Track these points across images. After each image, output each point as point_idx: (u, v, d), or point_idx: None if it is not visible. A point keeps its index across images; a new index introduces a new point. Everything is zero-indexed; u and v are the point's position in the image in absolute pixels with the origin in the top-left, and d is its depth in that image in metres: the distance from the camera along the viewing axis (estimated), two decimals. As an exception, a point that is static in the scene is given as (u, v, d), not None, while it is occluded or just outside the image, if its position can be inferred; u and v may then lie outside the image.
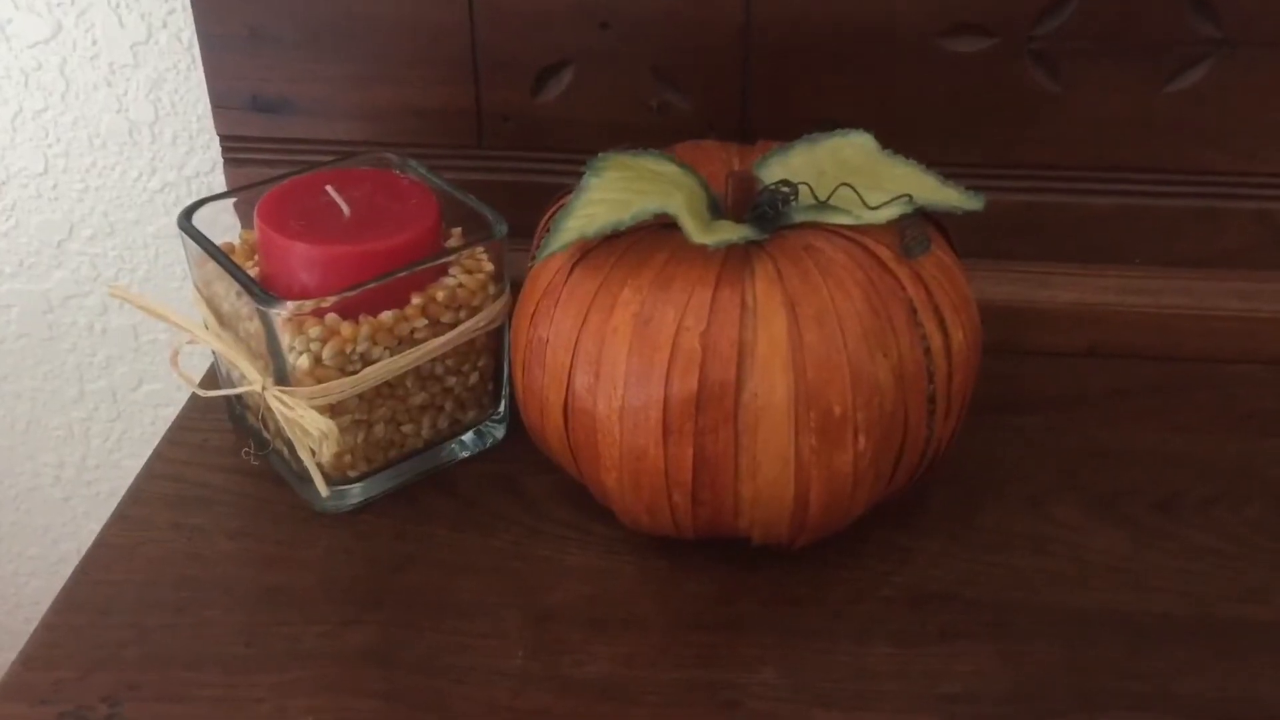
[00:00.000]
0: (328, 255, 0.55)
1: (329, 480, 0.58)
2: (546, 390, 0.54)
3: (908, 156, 0.56)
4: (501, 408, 0.63)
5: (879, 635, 0.54)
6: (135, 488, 0.61)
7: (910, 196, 0.53)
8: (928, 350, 0.52)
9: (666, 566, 0.57)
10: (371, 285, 0.54)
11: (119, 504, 0.61)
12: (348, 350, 0.55)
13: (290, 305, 0.53)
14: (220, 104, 0.69)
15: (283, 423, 0.55)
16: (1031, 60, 0.64)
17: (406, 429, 0.59)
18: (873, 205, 0.53)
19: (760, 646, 0.53)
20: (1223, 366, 0.68)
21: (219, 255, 0.57)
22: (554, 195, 0.60)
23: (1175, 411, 0.66)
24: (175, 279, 0.86)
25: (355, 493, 0.59)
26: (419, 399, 0.59)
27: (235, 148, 0.71)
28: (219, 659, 0.52)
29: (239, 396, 0.62)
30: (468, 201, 0.60)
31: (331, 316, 0.54)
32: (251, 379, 0.55)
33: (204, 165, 0.81)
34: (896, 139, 0.57)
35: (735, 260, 0.52)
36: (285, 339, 0.54)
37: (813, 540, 0.54)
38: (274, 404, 0.54)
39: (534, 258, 0.58)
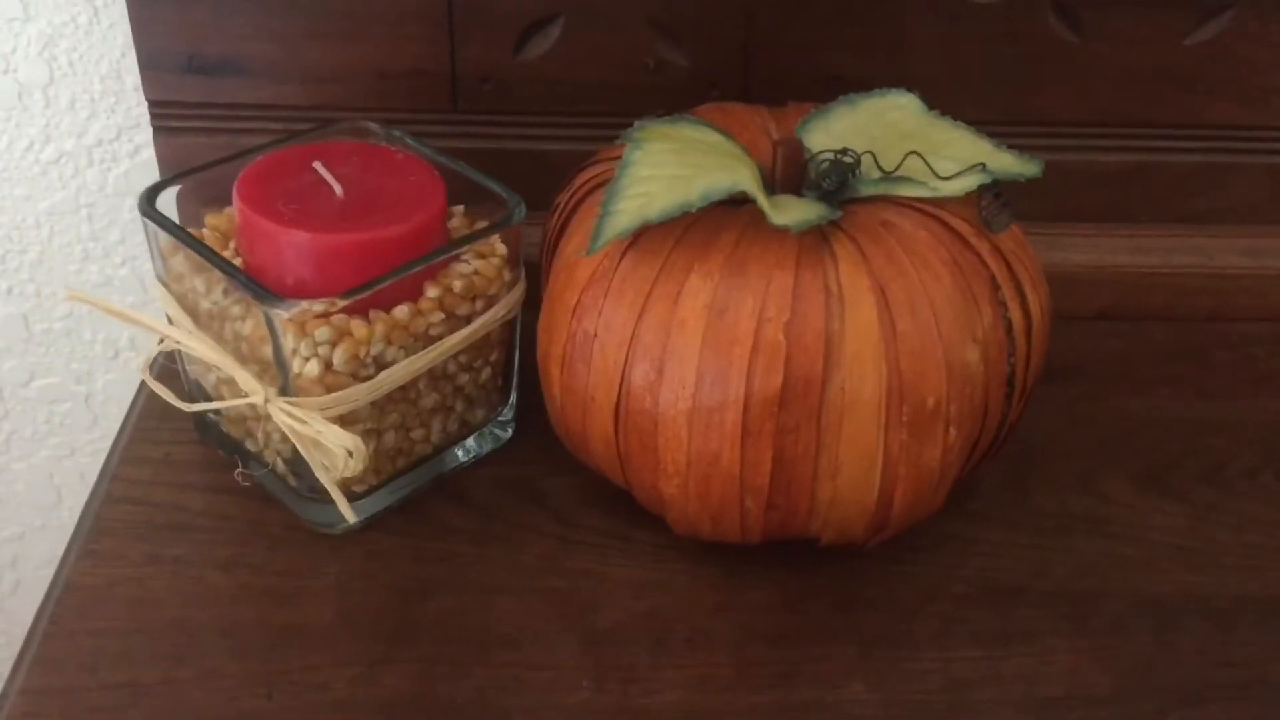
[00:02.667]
0: (330, 245, 0.48)
1: (324, 498, 0.51)
2: (593, 390, 0.48)
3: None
4: (511, 404, 0.57)
5: (961, 637, 0.50)
6: (96, 516, 0.53)
7: (984, 165, 0.49)
8: (1009, 330, 0.48)
9: (720, 573, 0.52)
10: (392, 279, 0.48)
11: (79, 538, 0.52)
12: (361, 354, 0.48)
13: (302, 305, 0.46)
14: (150, 65, 0.60)
15: (293, 439, 0.47)
16: (1053, 10, 0.61)
17: (416, 435, 0.53)
18: (944, 175, 0.49)
19: (840, 659, 0.49)
20: (1236, 325, 0.67)
21: (201, 248, 0.49)
22: (575, 165, 0.54)
23: (1198, 375, 0.64)
24: (73, 260, 0.76)
25: (362, 509, 0.52)
26: (430, 401, 0.52)
27: (167, 115, 0.62)
28: (239, 716, 0.45)
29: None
30: (471, 176, 0.53)
31: (339, 315, 0.47)
32: (249, 390, 0.48)
33: (107, 132, 0.71)
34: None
35: (811, 240, 0.47)
36: (288, 343, 0.47)
37: (888, 539, 0.50)
38: (281, 418, 0.47)
39: (546, 244, 0.52)
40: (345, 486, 0.51)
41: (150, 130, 0.70)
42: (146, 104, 0.62)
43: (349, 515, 0.48)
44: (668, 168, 0.47)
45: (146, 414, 0.58)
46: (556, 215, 0.53)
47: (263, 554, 0.51)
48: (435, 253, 0.49)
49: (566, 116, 0.63)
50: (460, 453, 0.56)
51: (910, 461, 0.47)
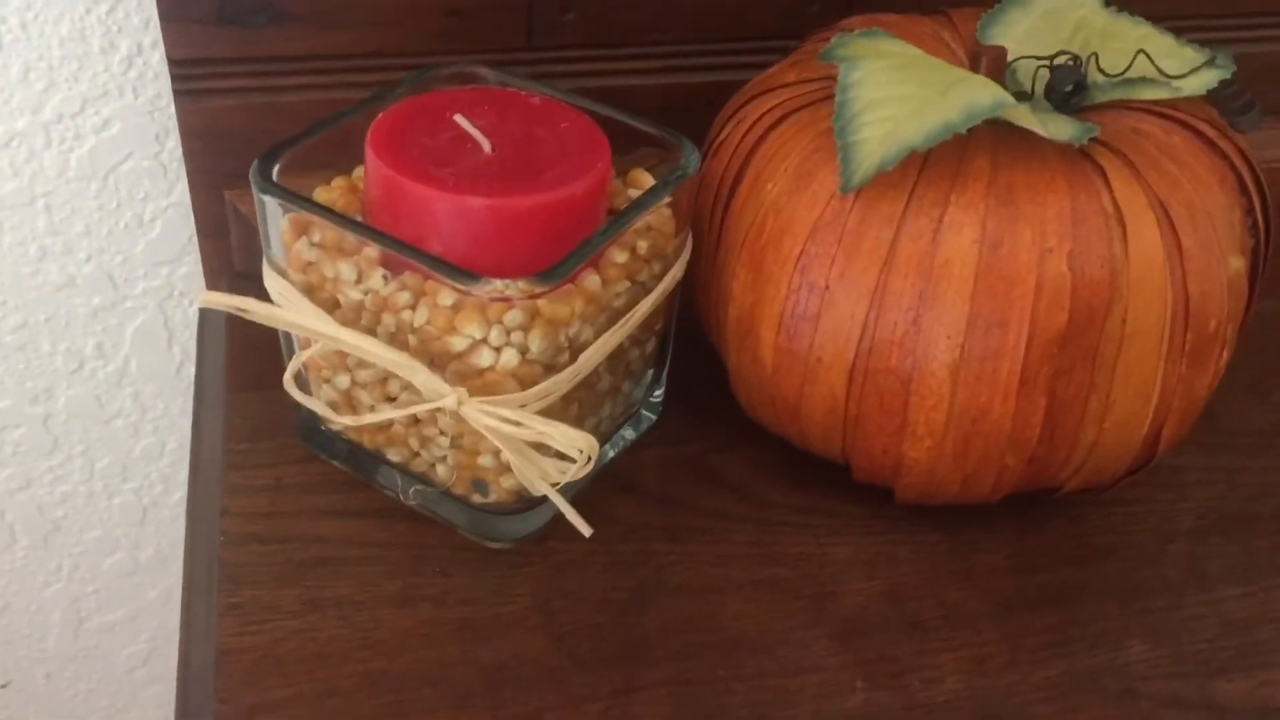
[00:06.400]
0: (511, 211, 0.40)
1: (502, 510, 0.44)
2: (819, 351, 0.42)
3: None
4: (664, 378, 0.50)
5: (1217, 576, 0.46)
6: (221, 562, 0.44)
7: (1216, 58, 0.44)
8: (1254, 231, 0.45)
9: (943, 539, 0.47)
10: (600, 246, 0.40)
11: (204, 590, 0.43)
12: (560, 337, 0.40)
13: (511, 284, 0.38)
14: (173, 15, 0.50)
15: (501, 445, 0.40)
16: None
17: (588, 424, 0.46)
18: (1173, 74, 0.44)
19: (1107, 618, 0.45)
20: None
21: (352, 225, 0.40)
22: (728, 94, 0.47)
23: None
24: (28, 261, 0.65)
25: (537, 517, 0.45)
26: (606, 384, 0.45)
27: (194, 75, 0.52)
28: (489, 781, 0.38)
29: (334, 410, 0.45)
30: (626, 120, 0.46)
31: (524, 296, 0.40)
32: (435, 393, 0.40)
33: (69, 105, 0.60)
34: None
35: (1073, 158, 0.41)
36: (474, 330, 0.39)
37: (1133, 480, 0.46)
38: (484, 422, 0.39)
39: (715, 188, 0.45)
40: (514, 495, 0.44)
41: (120, 100, 0.59)
42: (167, 64, 0.52)
43: (583, 528, 0.41)
44: (900, 86, 0.41)
45: (234, 437, 0.48)
46: (727, 154, 0.46)
47: (438, 582, 0.44)
48: (630, 210, 0.42)
49: (651, 46, 0.56)
50: (611, 446, 0.49)
51: (1184, 393, 0.43)
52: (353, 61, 0.53)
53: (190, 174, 0.55)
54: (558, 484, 0.41)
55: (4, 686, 0.82)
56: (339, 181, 0.45)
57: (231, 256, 0.56)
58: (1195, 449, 0.51)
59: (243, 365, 0.51)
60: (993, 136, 0.42)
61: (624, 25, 0.54)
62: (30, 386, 0.69)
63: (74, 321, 0.67)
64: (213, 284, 0.58)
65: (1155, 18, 0.59)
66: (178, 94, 0.53)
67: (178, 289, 0.66)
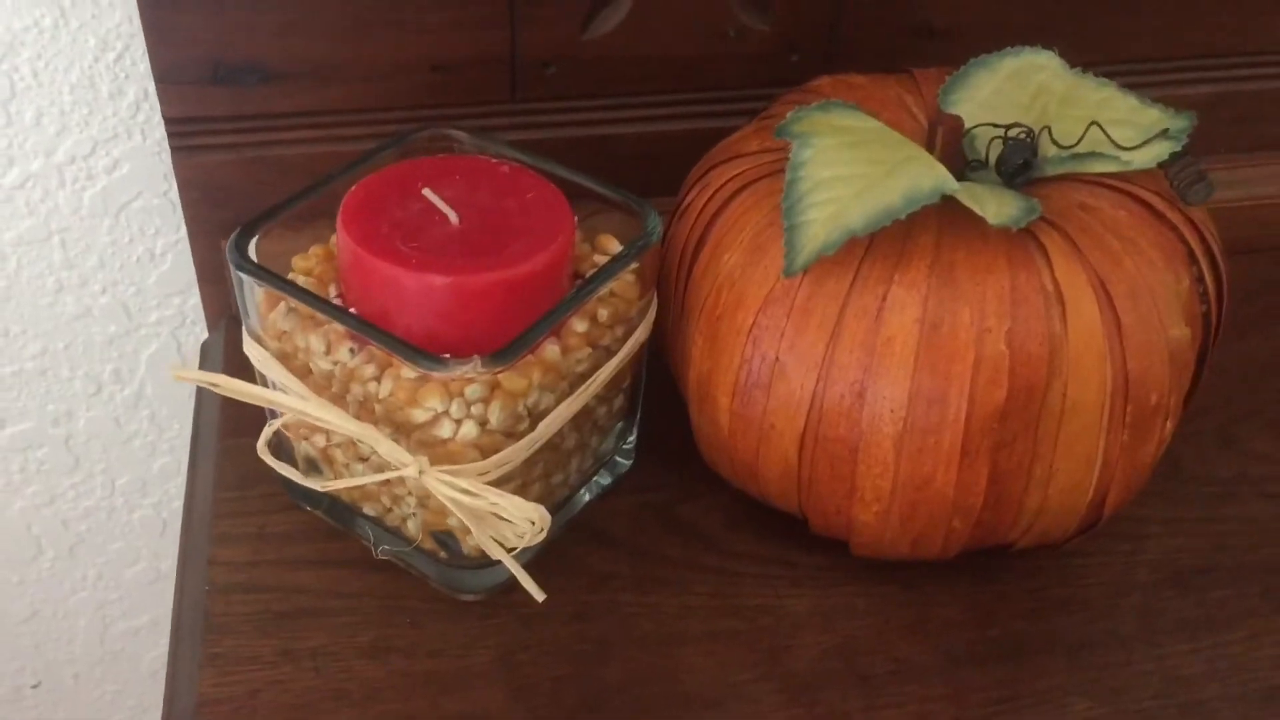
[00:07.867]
0: (472, 288, 0.42)
1: (470, 564, 0.46)
2: (772, 418, 0.44)
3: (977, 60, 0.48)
4: (635, 429, 0.52)
5: (1166, 631, 0.48)
6: (205, 612, 0.46)
7: (1168, 130, 0.45)
8: (1203, 299, 0.45)
9: (899, 590, 0.49)
10: (560, 318, 0.42)
11: (188, 638, 0.46)
12: (519, 408, 0.42)
13: (471, 367, 0.40)
14: (168, 78, 0.52)
15: (458, 512, 0.42)
16: (1143, -56, 0.57)
17: (556, 480, 0.48)
18: (1126, 145, 0.45)
19: (1053, 673, 0.46)
20: (1320, 255, 0.65)
21: (320, 304, 0.42)
22: (709, 142, 0.49)
23: (1292, 310, 0.62)
24: (45, 293, 0.67)
25: (505, 569, 0.47)
26: (571, 442, 0.47)
27: (189, 133, 0.54)
28: (445, 833, 0.40)
29: (312, 464, 0.48)
30: (591, 186, 0.47)
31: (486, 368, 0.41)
32: (398, 462, 0.42)
33: (80, 147, 0.62)
34: (991, 40, 0.49)
35: (1016, 235, 0.43)
36: (435, 404, 0.41)
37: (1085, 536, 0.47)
38: (443, 491, 0.41)
39: (678, 251, 0.47)
40: (483, 552, 0.46)
41: (129, 142, 0.62)
42: (163, 122, 0.54)
43: (536, 593, 0.43)
44: (848, 166, 0.43)
45: (224, 485, 0.51)
46: (691, 219, 0.47)
47: (409, 633, 0.46)
48: (590, 282, 0.43)
49: (633, 97, 0.57)
50: (587, 490, 0.51)
51: (1127, 462, 0.44)
52: (342, 116, 0.55)
53: (188, 222, 0.57)
54: (514, 549, 0.43)
55: (35, 686, 0.85)
56: (316, 250, 0.47)
57: (230, 300, 0.58)
58: (1157, 499, 0.52)
59: (237, 410, 0.53)
60: (939, 212, 0.43)
61: (604, 77, 0.56)
62: (52, 409, 0.72)
63: (91, 348, 0.70)
64: (213, 326, 0.60)
65: (1155, 58, 0.60)
66: (174, 150, 0.55)
67: (189, 318, 0.69)
